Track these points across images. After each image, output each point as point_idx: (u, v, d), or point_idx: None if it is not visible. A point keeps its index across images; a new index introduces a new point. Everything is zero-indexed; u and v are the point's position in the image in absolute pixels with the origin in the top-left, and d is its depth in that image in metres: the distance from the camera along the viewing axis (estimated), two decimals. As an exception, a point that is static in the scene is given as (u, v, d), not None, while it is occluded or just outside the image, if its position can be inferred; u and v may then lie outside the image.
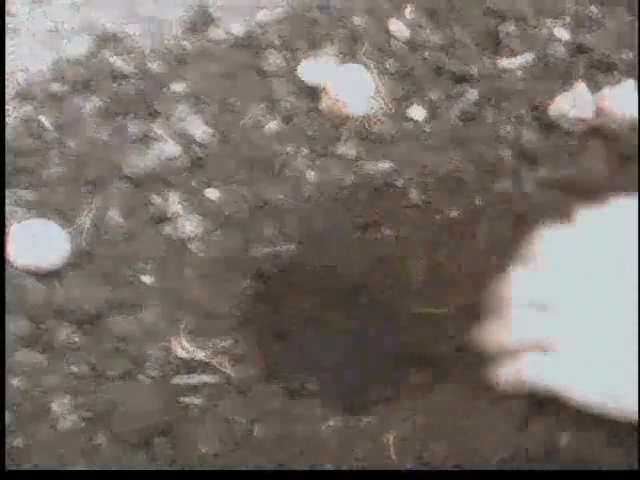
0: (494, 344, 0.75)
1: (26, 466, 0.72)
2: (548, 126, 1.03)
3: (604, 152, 0.99)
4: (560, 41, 1.16)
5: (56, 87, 1.12)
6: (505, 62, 1.15)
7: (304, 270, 0.96)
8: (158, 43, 1.20)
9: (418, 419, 0.73)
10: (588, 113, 1.00)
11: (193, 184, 0.99)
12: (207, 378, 0.80)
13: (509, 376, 0.71)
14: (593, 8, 1.21)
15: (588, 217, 0.78)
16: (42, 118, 1.07)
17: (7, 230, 0.91)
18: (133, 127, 1.05)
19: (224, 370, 0.80)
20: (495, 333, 0.76)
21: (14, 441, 0.74)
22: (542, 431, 0.68)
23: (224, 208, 0.95)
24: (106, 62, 1.15)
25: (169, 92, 1.09)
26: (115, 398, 0.76)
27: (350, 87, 1.08)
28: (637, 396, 0.49)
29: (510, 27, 1.17)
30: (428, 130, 1.04)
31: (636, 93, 1.01)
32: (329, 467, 0.70)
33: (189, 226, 0.94)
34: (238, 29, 1.21)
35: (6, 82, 1.12)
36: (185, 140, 1.02)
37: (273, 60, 1.12)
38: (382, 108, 1.07)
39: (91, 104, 1.09)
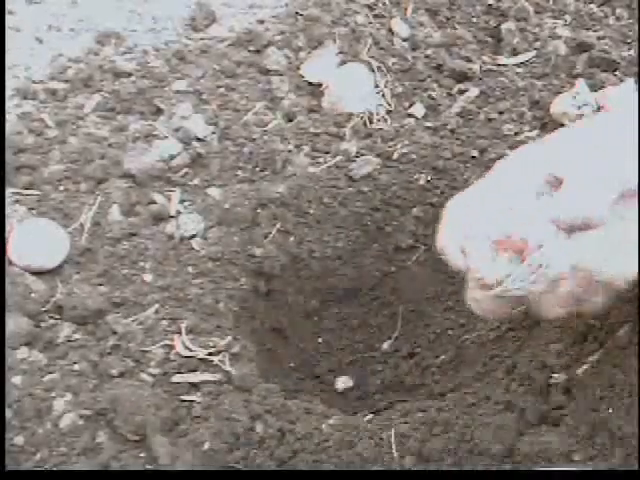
0: None
1: (26, 464, 0.73)
2: (549, 124, 1.03)
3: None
4: (561, 39, 1.16)
5: (57, 85, 1.12)
6: (506, 60, 1.15)
7: (304, 269, 0.97)
8: (159, 41, 1.20)
9: (418, 416, 0.73)
10: (589, 111, 1.00)
11: (194, 182, 0.99)
12: (208, 376, 0.80)
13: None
14: (594, 6, 1.21)
15: None
16: (43, 116, 1.07)
17: (8, 229, 0.91)
18: (134, 125, 1.05)
19: (224, 368, 0.80)
20: None
21: (15, 439, 0.74)
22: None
23: (225, 206, 0.95)
24: (107, 60, 1.15)
25: (170, 90, 1.09)
26: (116, 396, 0.76)
27: (352, 85, 1.08)
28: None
29: (511, 25, 1.17)
30: (429, 126, 1.05)
31: (636, 91, 1.01)
32: (330, 464, 0.70)
33: (190, 224, 0.94)
34: (239, 27, 1.21)
35: (6, 80, 1.12)
36: (187, 138, 1.02)
37: (275, 58, 1.12)
38: (383, 105, 1.07)
39: (92, 102, 1.09)
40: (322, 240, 0.98)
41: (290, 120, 1.06)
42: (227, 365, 0.80)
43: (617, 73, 1.09)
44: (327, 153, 1.02)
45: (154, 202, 0.97)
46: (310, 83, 1.10)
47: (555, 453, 0.64)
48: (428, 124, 1.06)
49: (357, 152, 1.02)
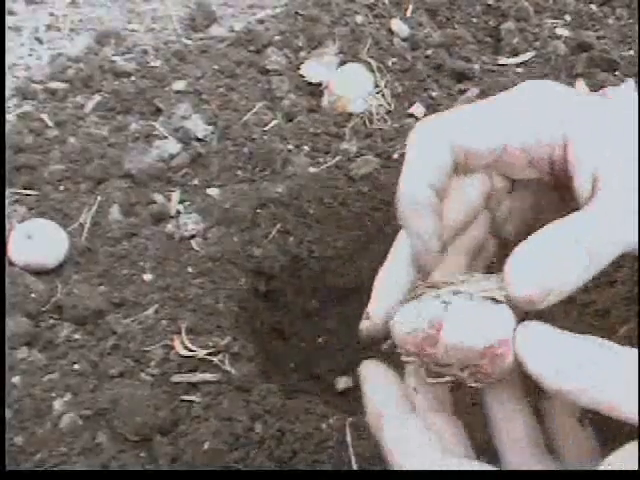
0: None
1: (26, 464, 0.72)
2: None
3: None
4: (561, 39, 1.16)
5: (57, 85, 1.12)
6: (506, 60, 1.15)
7: (304, 269, 0.97)
8: (159, 41, 1.20)
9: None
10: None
11: (194, 182, 0.99)
12: (207, 376, 0.80)
13: None
14: (594, 6, 1.21)
15: None
16: (43, 116, 1.07)
17: (8, 229, 0.91)
18: (134, 125, 1.05)
19: (224, 368, 0.80)
20: None
21: (15, 439, 0.74)
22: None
23: (225, 206, 0.95)
24: (107, 60, 1.15)
25: (170, 90, 1.09)
26: (116, 396, 0.76)
27: (352, 85, 1.08)
28: (637, 392, 0.49)
29: (511, 25, 1.17)
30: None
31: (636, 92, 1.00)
32: (330, 464, 0.70)
33: (190, 224, 0.94)
34: (239, 27, 1.21)
35: (6, 80, 1.12)
36: (186, 138, 1.02)
37: (275, 58, 1.12)
38: (383, 105, 1.07)
39: (92, 102, 1.09)
40: (322, 240, 0.98)
41: (290, 120, 1.06)
42: (227, 365, 0.80)
43: (617, 73, 1.09)
44: (327, 153, 1.02)
45: (154, 202, 0.97)
46: (310, 83, 1.10)
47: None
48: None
49: (357, 152, 1.02)
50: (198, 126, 1.03)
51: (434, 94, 1.09)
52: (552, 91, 0.51)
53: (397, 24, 1.17)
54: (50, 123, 1.06)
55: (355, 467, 0.70)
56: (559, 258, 0.43)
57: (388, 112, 1.07)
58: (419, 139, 0.49)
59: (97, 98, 1.10)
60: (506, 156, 0.50)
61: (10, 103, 1.10)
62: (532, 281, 0.43)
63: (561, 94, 0.51)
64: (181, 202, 0.97)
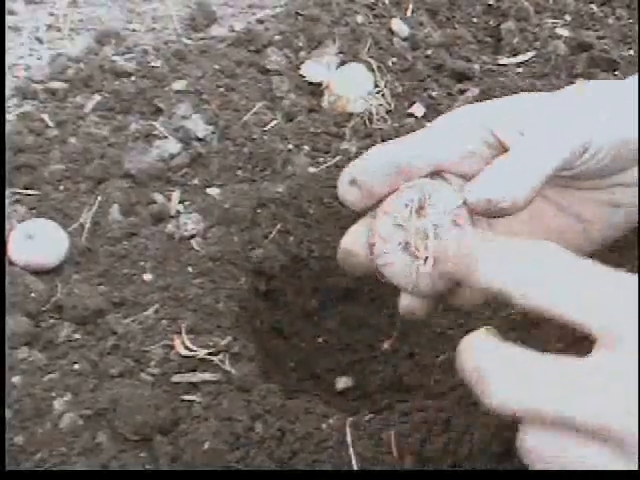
0: None
1: (26, 464, 0.72)
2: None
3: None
4: (561, 39, 1.16)
5: (57, 85, 1.12)
6: (506, 60, 1.15)
7: (304, 269, 0.97)
8: (159, 41, 1.20)
9: (418, 416, 0.73)
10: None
11: (194, 182, 0.99)
12: (208, 376, 0.80)
13: None
14: (594, 6, 1.21)
15: None
16: (43, 116, 1.07)
17: (8, 229, 0.91)
18: (135, 125, 1.05)
19: (224, 368, 0.80)
20: None
21: (15, 439, 0.74)
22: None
23: (225, 206, 0.95)
24: (107, 60, 1.15)
25: (170, 90, 1.09)
26: (116, 396, 0.76)
27: (352, 85, 1.08)
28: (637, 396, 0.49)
29: (511, 25, 1.17)
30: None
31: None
32: (330, 464, 0.70)
33: (190, 224, 0.94)
34: (239, 27, 1.21)
35: (6, 80, 1.12)
36: (187, 138, 1.02)
37: (275, 58, 1.12)
38: (383, 105, 1.08)
39: (92, 102, 1.09)
40: (322, 240, 0.98)
41: (290, 120, 1.06)
42: (227, 365, 0.80)
43: (617, 73, 1.09)
44: (327, 153, 1.02)
45: (154, 202, 0.97)
46: (310, 83, 1.10)
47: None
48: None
49: (357, 152, 1.02)
50: (198, 126, 1.03)
51: (434, 94, 1.09)
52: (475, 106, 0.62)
53: (397, 24, 1.17)
54: (50, 123, 1.06)
55: (355, 467, 0.70)
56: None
57: (388, 112, 1.07)
58: (371, 156, 0.60)
59: (97, 98, 1.10)
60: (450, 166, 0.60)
61: (10, 103, 1.10)
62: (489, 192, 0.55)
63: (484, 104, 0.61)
64: (181, 202, 0.97)
